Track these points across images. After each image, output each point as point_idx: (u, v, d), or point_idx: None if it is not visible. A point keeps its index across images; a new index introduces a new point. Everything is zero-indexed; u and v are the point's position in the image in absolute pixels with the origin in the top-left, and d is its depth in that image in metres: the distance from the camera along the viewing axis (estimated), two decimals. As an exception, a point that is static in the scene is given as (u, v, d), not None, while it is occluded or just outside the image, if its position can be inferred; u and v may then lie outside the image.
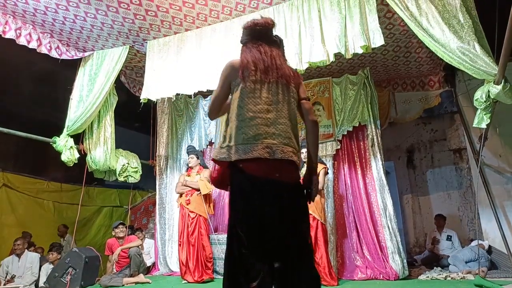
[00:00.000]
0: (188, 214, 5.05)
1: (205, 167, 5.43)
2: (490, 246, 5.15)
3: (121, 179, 5.59)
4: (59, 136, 5.19)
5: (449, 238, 5.90)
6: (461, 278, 4.47)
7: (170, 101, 6.17)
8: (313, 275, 1.89)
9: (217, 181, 2.11)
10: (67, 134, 5.20)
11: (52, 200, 7.24)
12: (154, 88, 4.90)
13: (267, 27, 2.15)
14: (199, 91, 4.74)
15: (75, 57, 5.39)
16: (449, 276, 4.59)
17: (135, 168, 5.65)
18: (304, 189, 2.03)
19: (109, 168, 5.44)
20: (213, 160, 2.00)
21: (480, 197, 5.26)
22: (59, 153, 5.17)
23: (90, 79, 5.34)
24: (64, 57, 5.21)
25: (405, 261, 4.78)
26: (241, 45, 2.18)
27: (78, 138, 5.39)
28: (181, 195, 5.21)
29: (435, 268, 5.31)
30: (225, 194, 5.88)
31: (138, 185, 7.30)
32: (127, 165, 5.56)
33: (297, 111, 2.08)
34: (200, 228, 5.02)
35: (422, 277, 4.73)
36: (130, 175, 5.61)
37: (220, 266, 5.18)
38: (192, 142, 6.23)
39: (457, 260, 5.02)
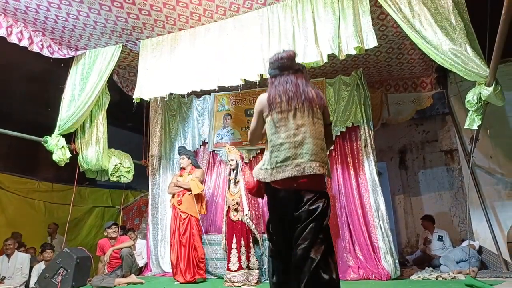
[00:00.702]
0: (180, 215, 5.03)
1: (198, 167, 5.41)
2: (480, 246, 5.21)
3: (113, 179, 5.55)
4: (50, 136, 5.13)
5: (440, 238, 5.94)
6: (452, 278, 4.51)
7: (163, 101, 6.14)
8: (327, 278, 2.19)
9: (254, 191, 2.53)
10: (59, 134, 5.15)
11: (43, 200, 7.15)
12: (147, 87, 4.88)
13: (290, 59, 2.48)
14: (192, 91, 4.72)
15: (67, 56, 5.35)
16: (440, 276, 4.62)
17: (127, 168, 5.61)
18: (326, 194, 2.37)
19: (101, 168, 5.40)
20: (256, 178, 2.44)
21: (471, 197, 5.32)
22: (50, 153, 5.11)
23: (83, 78, 5.29)
24: (56, 55, 5.15)
25: (397, 261, 4.80)
26: (269, 77, 2.52)
27: (69, 137, 5.34)
28: (173, 196, 5.18)
29: (426, 268, 5.34)
30: (218, 195, 5.87)
31: (131, 185, 7.26)
32: (120, 165, 5.51)
33: (322, 127, 2.40)
34: (192, 229, 5.00)
35: (413, 277, 4.76)
36: (122, 175, 5.56)
37: (212, 266, 5.16)
38: (186, 142, 6.21)
39: (448, 260, 5.06)
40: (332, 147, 5.38)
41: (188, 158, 5.34)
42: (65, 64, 5.50)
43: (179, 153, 5.48)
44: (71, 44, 5.28)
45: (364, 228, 5.00)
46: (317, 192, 2.29)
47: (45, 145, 5.10)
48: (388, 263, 4.71)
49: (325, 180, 2.39)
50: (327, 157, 2.37)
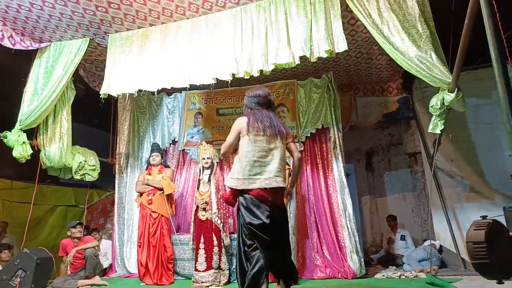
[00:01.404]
0: (150, 214, 4.93)
1: (167, 166, 5.32)
2: (441, 246, 5.43)
3: (77, 177, 5.34)
4: (10, 131, 4.88)
5: (403, 238, 6.15)
6: (414, 277, 4.67)
7: (132, 98, 5.99)
8: (291, 261, 3.03)
9: (229, 201, 3.04)
10: (20, 129, 4.90)
11: (1, 199, 6.78)
12: (115, 83, 4.72)
13: (265, 97, 3.13)
14: (162, 88, 4.63)
15: (30, 48, 5.09)
16: (403, 275, 4.78)
17: (93, 166, 5.41)
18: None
19: (65, 165, 5.19)
20: (228, 186, 2.98)
21: (432, 199, 5.53)
22: (10, 149, 4.86)
23: (46, 72, 5.06)
24: (18, 47, 4.89)
25: (362, 260, 4.93)
26: (246, 107, 3.14)
27: (31, 133, 5.10)
28: (141, 194, 5.07)
29: (390, 267, 5.52)
30: (188, 195, 5.79)
31: (96, 183, 6.99)
32: (84, 163, 5.32)
33: (286, 151, 3.09)
34: (162, 229, 4.93)
35: (378, 275, 4.90)
36: (87, 173, 5.36)
37: (181, 267, 5.09)
38: (155, 140, 6.08)
39: (411, 259, 5.25)
40: (302, 148, 5.46)
41: (162, 157, 5.25)
42: (27, 57, 5.24)
43: (152, 150, 5.36)
44: (35, 36, 5.05)
45: (331, 228, 5.10)
46: (281, 201, 2.99)
47: (5, 140, 4.84)
48: (353, 262, 4.82)
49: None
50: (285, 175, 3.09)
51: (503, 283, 3.44)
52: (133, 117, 6.21)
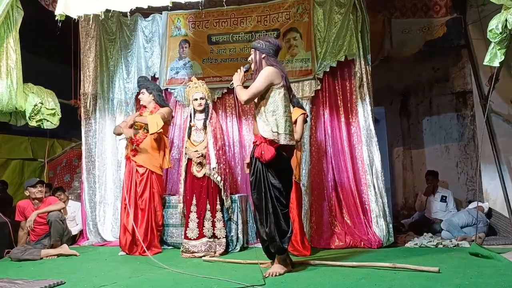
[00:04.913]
0: (136, 169, 4.95)
1: (163, 105, 5.15)
2: (490, 209, 5.52)
3: (33, 123, 5.33)
4: None
5: (443, 199, 6.24)
6: (455, 246, 4.79)
7: (97, 21, 5.82)
8: None
9: (273, 157, 3.40)
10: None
11: None
12: (75, 0, 4.57)
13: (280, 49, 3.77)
14: (137, 8, 4.49)
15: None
16: (441, 244, 4.90)
17: (51, 109, 5.38)
18: None
19: (16, 108, 5.17)
20: (265, 138, 3.43)
21: (483, 151, 5.52)
22: None
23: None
24: None
25: (390, 226, 5.05)
26: (265, 53, 3.56)
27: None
28: (127, 144, 5.07)
29: (425, 234, 5.63)
30: (174, 146, 5.80)
31: (57, 132, 7.06)
32: (41, 106, 5.28)
33: None
34: (152, 188, 4.96)
35: (409, 244, 5.03)
36: (45, 119, 5.35)
37: (169, 234, 5.21)
38: (129, 76, 6.07)
39: (452, 225, 5.36)
40: (319, 87, 5.40)
41: (150, 93, 5.12)
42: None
43: (138, 86, 5.27)
44: None
45: (354, 188, 5.19)
46: None
47: None
48: (380, 228, 4.95)
49: None
50: None
51: None
52: (100, 47, 6.10)
